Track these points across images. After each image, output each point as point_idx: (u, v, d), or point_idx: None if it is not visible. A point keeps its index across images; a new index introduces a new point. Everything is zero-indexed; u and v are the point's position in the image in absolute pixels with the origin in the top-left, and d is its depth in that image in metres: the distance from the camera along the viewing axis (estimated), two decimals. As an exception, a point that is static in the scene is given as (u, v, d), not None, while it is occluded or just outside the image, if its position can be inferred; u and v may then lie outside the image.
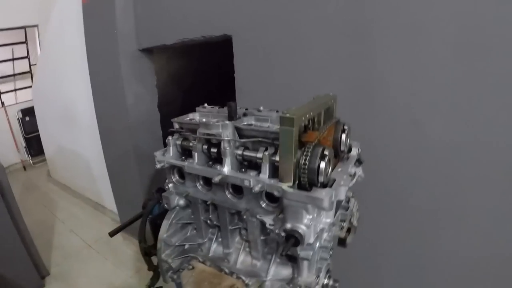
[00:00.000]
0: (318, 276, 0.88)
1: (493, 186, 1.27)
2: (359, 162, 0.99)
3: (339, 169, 0.84)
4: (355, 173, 0.91)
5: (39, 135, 5.21)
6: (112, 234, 1.42)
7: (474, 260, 1.39)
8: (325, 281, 0.92)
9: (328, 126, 0.85)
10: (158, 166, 0.96)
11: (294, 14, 1.55)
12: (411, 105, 1.36)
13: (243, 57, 1.78)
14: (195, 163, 0.88)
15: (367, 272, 1.74)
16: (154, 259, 1.28)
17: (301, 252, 0.72)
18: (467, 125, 1.26)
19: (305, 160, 0.67)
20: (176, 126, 0.99)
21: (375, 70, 1.41)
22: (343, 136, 0.89)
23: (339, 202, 0.89)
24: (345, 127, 0.90)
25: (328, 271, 0.95)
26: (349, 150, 0.97)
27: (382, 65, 1.39)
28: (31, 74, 6.11)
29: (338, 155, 0.91)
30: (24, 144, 5.97)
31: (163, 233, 1.04)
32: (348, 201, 1.03)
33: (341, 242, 1.04)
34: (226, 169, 0.81)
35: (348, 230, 1.06)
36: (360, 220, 1.13)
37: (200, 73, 3.78)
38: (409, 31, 1.29)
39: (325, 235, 0.80)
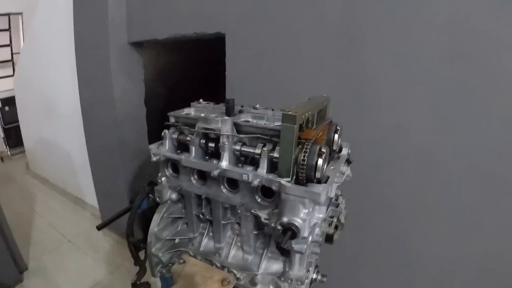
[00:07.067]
0: (308, 270, 0.91)
1: (474, 187, 1.33)
2: (348, 162, 1.02)
3: (332, 167, 0.87)
4: (344, 172, 0.95)
5: (18, 126, 5.04)
6: (100, 227, 1.41)
7: (455, 258, 1.46)
8: (314, 276, 0.95)
9: (322, 126, 0.88)
10: (154, 159, 0.96)
11: (288, 15, 1.58)
12: (397, 109, 1.42)
13: (236, 55, 1.79)
14: (192, 157, 0.89)
15: (349, 269, 1.79)
16: (140, 255, 1.28)
17: (295, 245, 0.75)
18: (449, 130, 1.32)
19: (304, 156, 0.69)
20: (172, 120, 1.00)
21: (364, 73, 1.45)
22: (336, 136, 0.92)
23: (330, 199, 0.92)
24: (338, 128, 0.94)
25: (316, 266, 0.98)
26: (340, 150, 1.01)
27: (371, 68, 1.43)
28: (13, 63, 5.89)
29: (330, 154, 0.94)
30: (2, 135, 5.74)
31: (154, 227, 1.04)
32: (337, 199, 1.07)
33: (329, 238, 1.07)
34: (224, 163, 0.82)
35: (336, 227, 1.09)
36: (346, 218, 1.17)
37: (186, 70, 3.75)
38: (399, 37, 1.34)
39: (317, 230, 0.83)
